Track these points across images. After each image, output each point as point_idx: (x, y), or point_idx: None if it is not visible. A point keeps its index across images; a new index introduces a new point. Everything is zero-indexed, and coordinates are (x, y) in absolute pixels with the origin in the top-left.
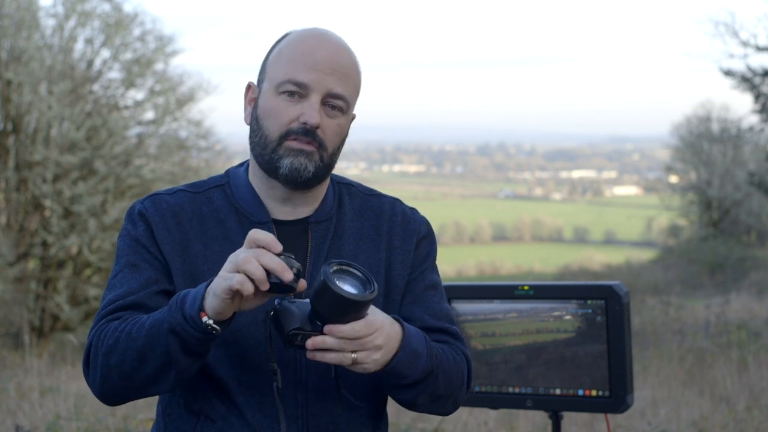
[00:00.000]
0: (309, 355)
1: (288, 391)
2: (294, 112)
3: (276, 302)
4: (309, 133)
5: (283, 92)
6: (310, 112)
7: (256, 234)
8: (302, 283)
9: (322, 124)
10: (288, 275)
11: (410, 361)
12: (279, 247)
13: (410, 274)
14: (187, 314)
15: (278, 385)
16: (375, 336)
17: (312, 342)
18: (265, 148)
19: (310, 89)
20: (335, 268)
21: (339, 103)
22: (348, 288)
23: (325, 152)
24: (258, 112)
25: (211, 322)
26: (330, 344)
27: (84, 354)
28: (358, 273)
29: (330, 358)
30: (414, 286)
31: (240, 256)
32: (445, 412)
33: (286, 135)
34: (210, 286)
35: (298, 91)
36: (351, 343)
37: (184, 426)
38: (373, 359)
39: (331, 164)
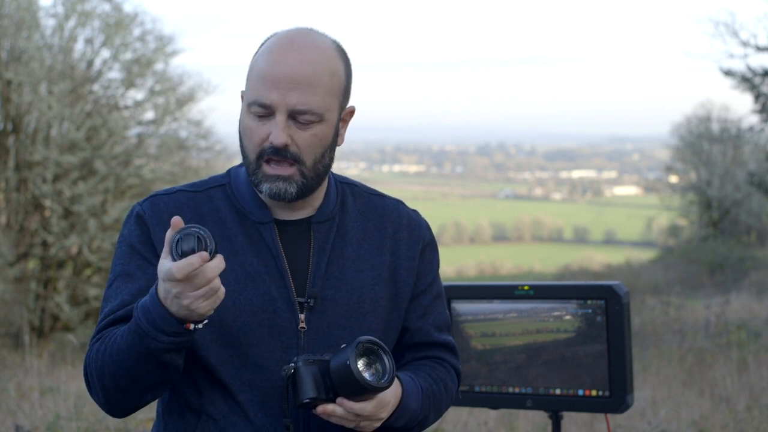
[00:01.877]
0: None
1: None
2: (264, 132)
3: (294, 362)
4: (279, 152)
5: (253, 112)
6: (275, 132)
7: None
8: (217, 261)
9: (294, 138)
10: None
11: (404, 418)
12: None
13: (416, 282)
14: (170, 332)
15: None
16: (381, 411)
17: (322, 409)
18: (248, 167)
19: (273, 108)
20: (363, 347)
21: (307, 117)
22: (368, 374)
23: (304, 166)
24: (239, 128)
25: (200, 325)
26: (339, 414)
27: (83, 374)
28: (384, 357)
29: (335, 420)
30: (423, 297)
31: (172, 292)
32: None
33: (261, 155)
34: (183, 316)
35: (264, 112)
36: (357, 417)
37: (185, 425)
38: (373, 427)
39: (318, 174)
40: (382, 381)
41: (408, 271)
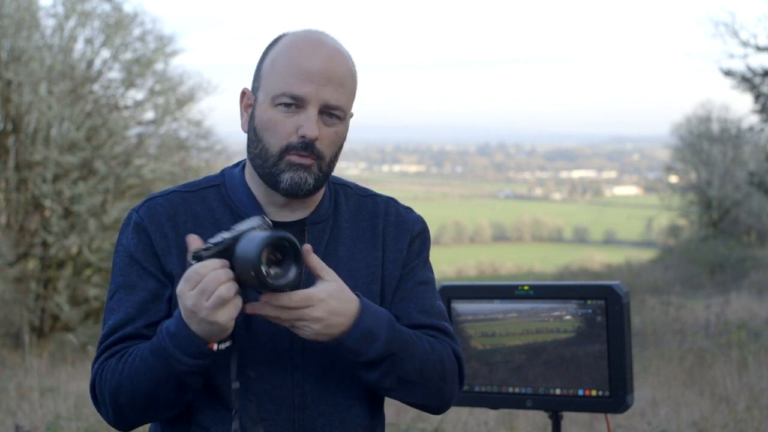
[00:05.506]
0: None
1: (284, 394)
2: (292, 125)
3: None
4: (308, 146)
5: (280, 104)
6: (308, 125)
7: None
8: (212, 261)
9: (320, 134)
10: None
11: (363, 340)
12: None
13: (403, 267)
14: (195, 353)
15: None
16: (313, 309)
17: (251, 307)
18: (265, 162)
19: (306, 102)
20: (271, 240)
21: (336, 112)
22: (272, 269)
23: (323, 162)
24: (255, 123)
25: (222, 346)
26: (267, 312)
27: (90, 388)
28: (294, 262)
29: (272, 317)
30: (404, 282)
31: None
32: (430, 406)
33: (286, 149)
34: (205, 333)
35: (294, 103)
36: (288, 312)
37: None
38: (311, 329)
39: (329, 173)
40: (280, 281)
41: (395, 263)
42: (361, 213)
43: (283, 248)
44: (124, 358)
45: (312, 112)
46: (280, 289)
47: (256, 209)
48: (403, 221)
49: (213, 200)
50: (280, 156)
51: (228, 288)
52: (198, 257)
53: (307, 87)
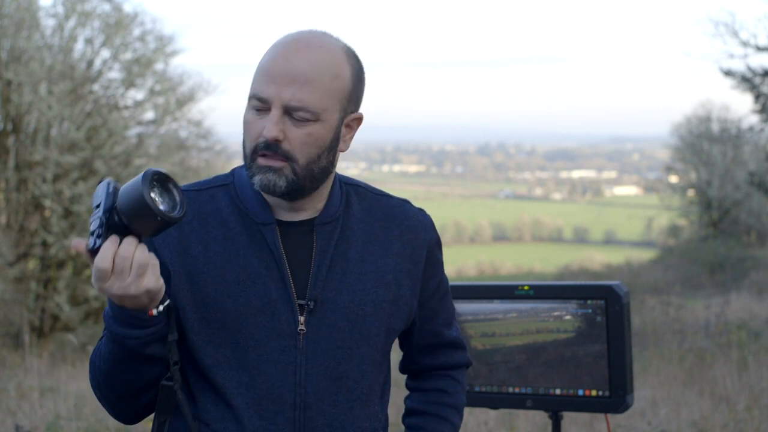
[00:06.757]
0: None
1: (286, 393)
2: (260, 126)
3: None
4: (270, 146)
5: (252, 106)
6: (268, 126)
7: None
8: (108, 243)
9: (288, 135)
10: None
11: None
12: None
13: (424, 287)
14: (140, 324)
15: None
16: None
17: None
18: (245, 162)
19: (269, 103)
20: (154, 177)
21: (301, 114)
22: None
23: (297, 164)
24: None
25: (161, 307)
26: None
27: (92, 387)
28: (174, 191)
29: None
30: (432, 300)
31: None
32: None
33: (255, 150)
34: (142, 304)
35: (261, 105)
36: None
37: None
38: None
39: (311, 174)
40: (177, 209)
41: (411, 275)
42: (375, 212)
43: (158, 182)
44: (96, 350)
45: (274, 112)
46: (180, 217)
47: (263, 209)
48: (421, 229)
49: (221, 199)
50: (252, 157)
51: (140, 254)
52: (93, 251)
53: (270, 88)
